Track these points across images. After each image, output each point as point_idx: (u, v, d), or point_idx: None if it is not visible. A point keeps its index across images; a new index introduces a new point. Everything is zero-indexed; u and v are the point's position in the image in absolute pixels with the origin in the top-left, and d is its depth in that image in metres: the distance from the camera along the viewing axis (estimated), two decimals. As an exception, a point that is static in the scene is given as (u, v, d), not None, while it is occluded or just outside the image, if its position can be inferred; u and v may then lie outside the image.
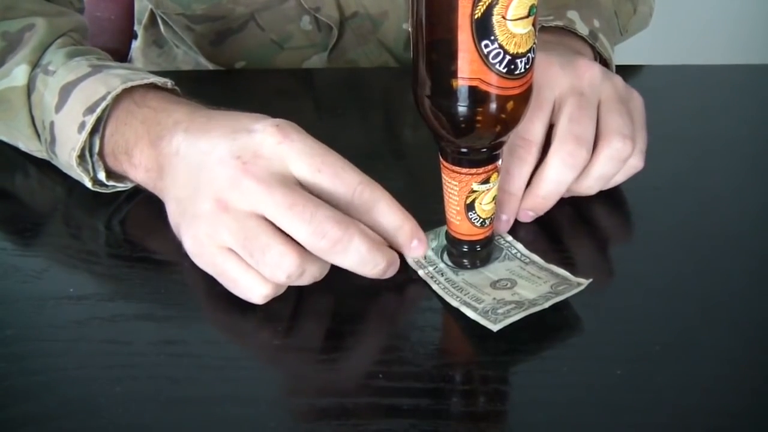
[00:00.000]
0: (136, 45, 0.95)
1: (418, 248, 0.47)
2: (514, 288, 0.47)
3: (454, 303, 0.46)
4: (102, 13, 1.05)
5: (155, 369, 0.43)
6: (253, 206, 0.44)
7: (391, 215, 0.46)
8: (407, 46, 0.83)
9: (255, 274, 0.44)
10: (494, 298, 0.46)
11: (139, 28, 0.94)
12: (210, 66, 0.85)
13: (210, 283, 0.46)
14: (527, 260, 0.49)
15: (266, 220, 0.44)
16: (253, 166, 0.44)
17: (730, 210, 0.55)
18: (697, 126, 0.65)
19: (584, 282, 0.46)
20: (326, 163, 0.45)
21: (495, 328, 0.43)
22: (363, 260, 0.44)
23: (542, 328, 0.44)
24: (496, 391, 0.41)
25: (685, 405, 0.40)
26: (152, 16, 0.91)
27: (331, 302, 0.46)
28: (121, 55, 1.02)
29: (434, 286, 0.47)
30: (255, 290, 0.45)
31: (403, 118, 0.69)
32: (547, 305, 0.44)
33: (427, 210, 0.48)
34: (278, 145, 0.45)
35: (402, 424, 0.39)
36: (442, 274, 0.48)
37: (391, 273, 0.46)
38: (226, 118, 0.48)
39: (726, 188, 0.58)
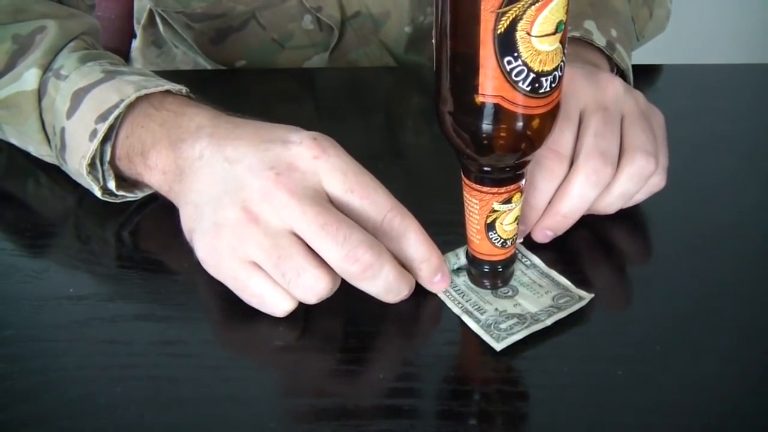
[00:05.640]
0: (135, 45, 0.95)
1: (441, 283, 0.46)
2: (515, 297, 0.46)
3: (456, 310, 0.46)
4: (102, 13, 1.05)
5: (155, 369, 0.43)
6: (285, 222, 0.43)
7: (419, 246, 0.45)
8: (408, 48, 0.83)
9: (282, 291, 0.44)
10: (496, 309, 0.45)
11: (138, 28, 0.94)
12: (209, 66, 0.85)
13: (210, 283, 0.46)
14: (528, 263, 0.49)
15: (298, 237, 0.43)
16: (287, 178, 0.43)
17: (730, 210, 0.55)
18: (697, 126, 0.65)
19: (586, 297, 0.46)
20: (360, 183, 0.44)
21: (498, 347, 0.43)
22: (389, 288, 0.44)
23: (543, 328, 0.44)
24: (496, 391, 0.41)
25: (685, 405, 0.40)
26: (151, 16, 0.91)
27: (332, 303, 0.46)
28: (121, 54, 1.01)
29: (435, 288, 0.47)
30: (280, 306, 0.44)
31: (403, 119, 0.69)
32: (549, 322, 0.44)
33: (427, 210, 0.48)
34: (314, 159, 0.44)
35: (402, 424, 0.39)
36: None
37: (405, 297, 0.46)
38: (255, 127, 0.47)
39: (726, 188, 0.57)
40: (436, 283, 0.46)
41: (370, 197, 0.44)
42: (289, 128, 0.47)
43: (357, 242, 0.42)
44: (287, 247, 0.43)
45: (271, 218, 0.43)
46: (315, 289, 0.43)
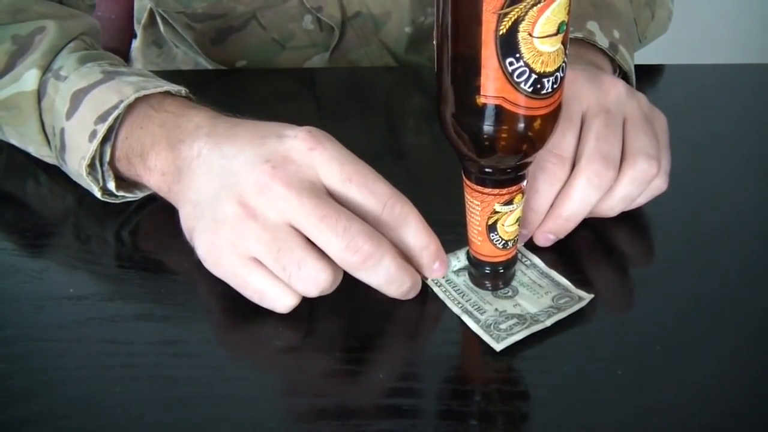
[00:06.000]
0: (135, 45, 0.95)
1: (439, 270, 0.46)
2: (515, 297, 0.46)
3: (456, 310, 0.46)
4: (102, 13, 1.05)
5: (155, 369, 0.43)
6: (283, 215, 0.43)
7: (419, 234, 0.45)
8: (409, 48, 0.83)
9: (283, 286, 0.44)
10: (496, 309, 0.45)
11: (138, 28, 0.94)
12: (210, 66, 0.85)
13: (210, 283, 0.46)
14: (528, 262, 0.49)
15: (296, 230, 0.43)
16: (282, 171, 0.43)
17: (730, 209, 0.55)
18: (697, 126, 0.65)
19: (586, 297, 0.46)
20: (357, 173, 0.44)
21: (498, 347, 0.43)
22: (391, 279, 0.44)
23: (542, 328, 0.44)
24: (496, 391, 0.41)
25: (685, 405, 0.40)
26: (151, 16, 0.91)
27: (332, 304, 0.46)
28: (121, 54, 1.01)
29: (435, 288, 0.47)
30: (282, 302, 0.44)
31: (403, 119, 0.69)
32: (548, 323, 0.44)
33: (427, 210, 0.47)
34: (309, 151, 0.44)
35: (402, 424, 0.39)
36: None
37: (412, 295, 0.46)
38: (252, 125, 0.47)
39: (726, 188, 0.57)
40: (436, 270, 0.46)
41: (368, 186, 0.44)
42: (284, 124, 0.46)
43: (356, 232, 0.42)
44: (287, 240, 0.42)
45: (269, 212, 0.43)
46: (317, 281, 0.43)
